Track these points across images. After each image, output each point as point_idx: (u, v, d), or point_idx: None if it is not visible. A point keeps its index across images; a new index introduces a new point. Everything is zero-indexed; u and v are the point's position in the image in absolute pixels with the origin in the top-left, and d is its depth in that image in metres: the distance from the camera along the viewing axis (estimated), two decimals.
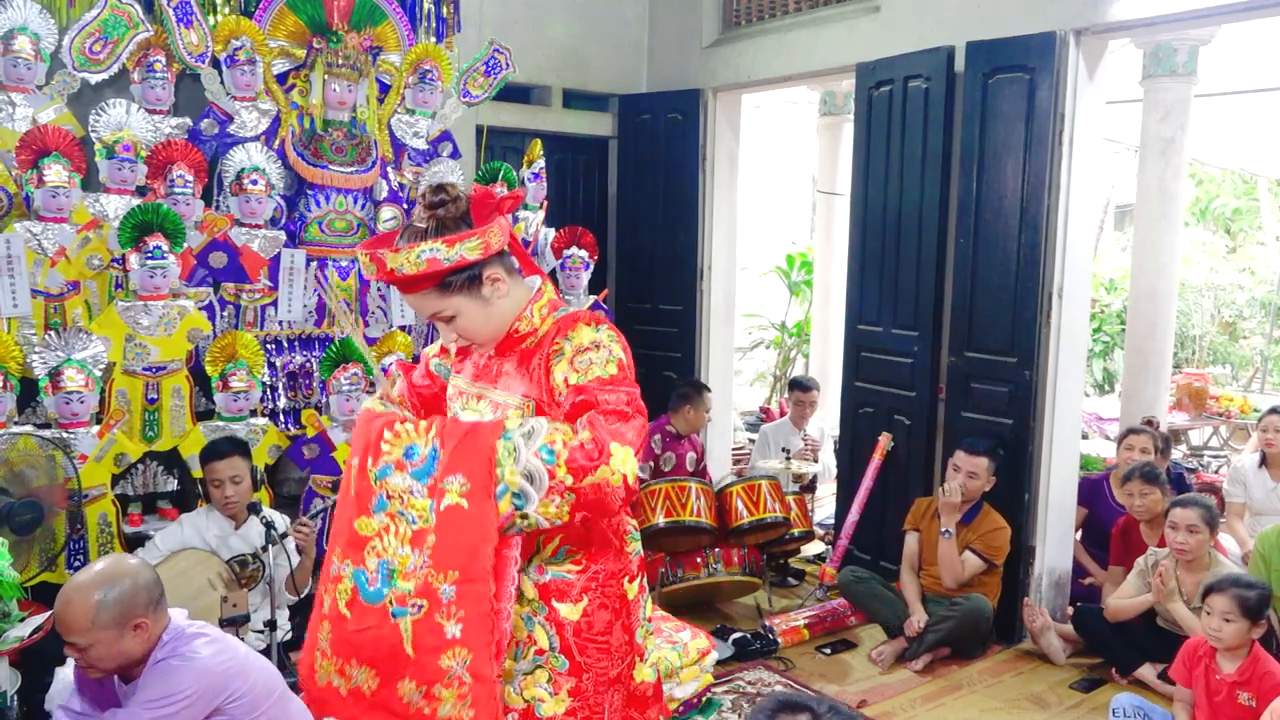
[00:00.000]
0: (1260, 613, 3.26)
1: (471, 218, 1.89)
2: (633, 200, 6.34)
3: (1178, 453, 7.03)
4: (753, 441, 6.80)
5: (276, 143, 4.45)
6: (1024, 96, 4.28)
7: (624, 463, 1.74)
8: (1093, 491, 4.91)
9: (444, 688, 1.74)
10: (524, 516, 1.74)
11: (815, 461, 5.87)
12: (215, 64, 4.31)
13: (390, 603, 1.79)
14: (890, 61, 4.83)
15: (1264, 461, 5.09)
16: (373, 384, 4.43)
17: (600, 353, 1.86)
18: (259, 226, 4.30)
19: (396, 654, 1.79)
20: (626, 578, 2.03)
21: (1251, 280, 11.57)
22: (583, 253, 5.24)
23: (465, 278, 1.91)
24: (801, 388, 6.13)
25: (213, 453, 3.64)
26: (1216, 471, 7.02)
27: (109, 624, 2.21)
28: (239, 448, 3.69)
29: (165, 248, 3.85)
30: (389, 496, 1.80)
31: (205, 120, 4.35)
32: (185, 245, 3.99)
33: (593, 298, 5.33)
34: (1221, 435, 8.19)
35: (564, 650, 1.94)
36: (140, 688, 2.28)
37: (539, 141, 5.28)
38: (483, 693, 1.73)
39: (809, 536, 5.13)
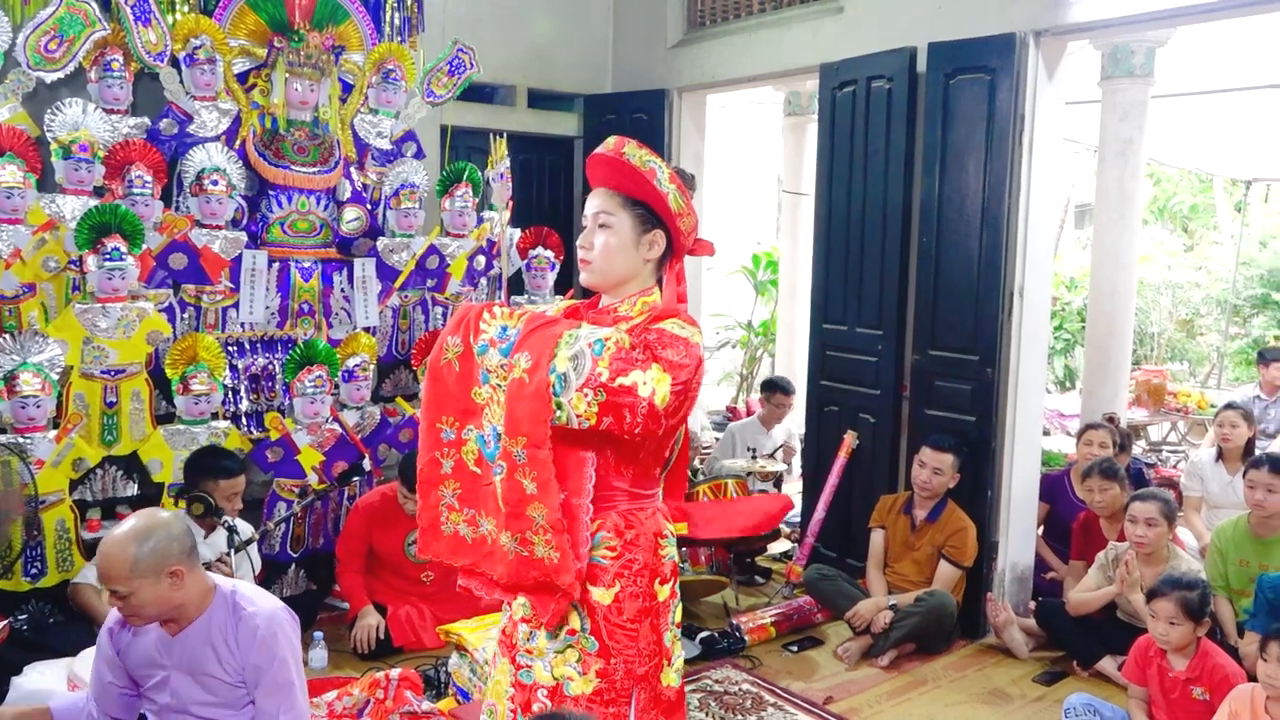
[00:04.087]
0: (1203, 612, 3.33)
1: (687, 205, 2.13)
2: None
3: (1137, 448, 7.13)
4: (719, 440, 6.82)
5: (238, 143, 4.40)
6: (985, 97, 4.33)
7: (659, 381, 1.86)
8: (1054, 487, 4.97)
9: (534, 534, 1.94)
10: (559, 406, 1.87)
11: (789, 465, 5.90)
12: (174, 63, 4.25)
13: (495, 461, 2.00)
14: (853, 62, 4.86)
15: (1220, 456, 5.18)
16: (337, 386, 4.40)
17: (679, 336, 1.96)
18: (220, 227, 4.25)
19: (499, 508, 1.99)
20: (658, 579, 2.10)
21: (1208, 278, 11.78)
22: (549, 253, 5.24)
23: (645, 212, 2.09)
24: (782, 391, 6.14)
25: (228, 470, 3.74)
26: (1175, 466, 7.13)
27: (147, 572, 2.39)
28: (241, 465, 3.87)
29: (124, 249, 3.80)
30: (489, 370, 1.98)
31: (164, 120, 4.30)
32: (144, 247, 3.94)
33: (559, 299, 5.32)
34: (1179, 430, 8.33)
35: (594, 632, 2.03)
36: (247, 650, 2.51)
37: (504, 141, 5.26)
38: (560, 540, 1.92)
39: (775, 535, 5.16)
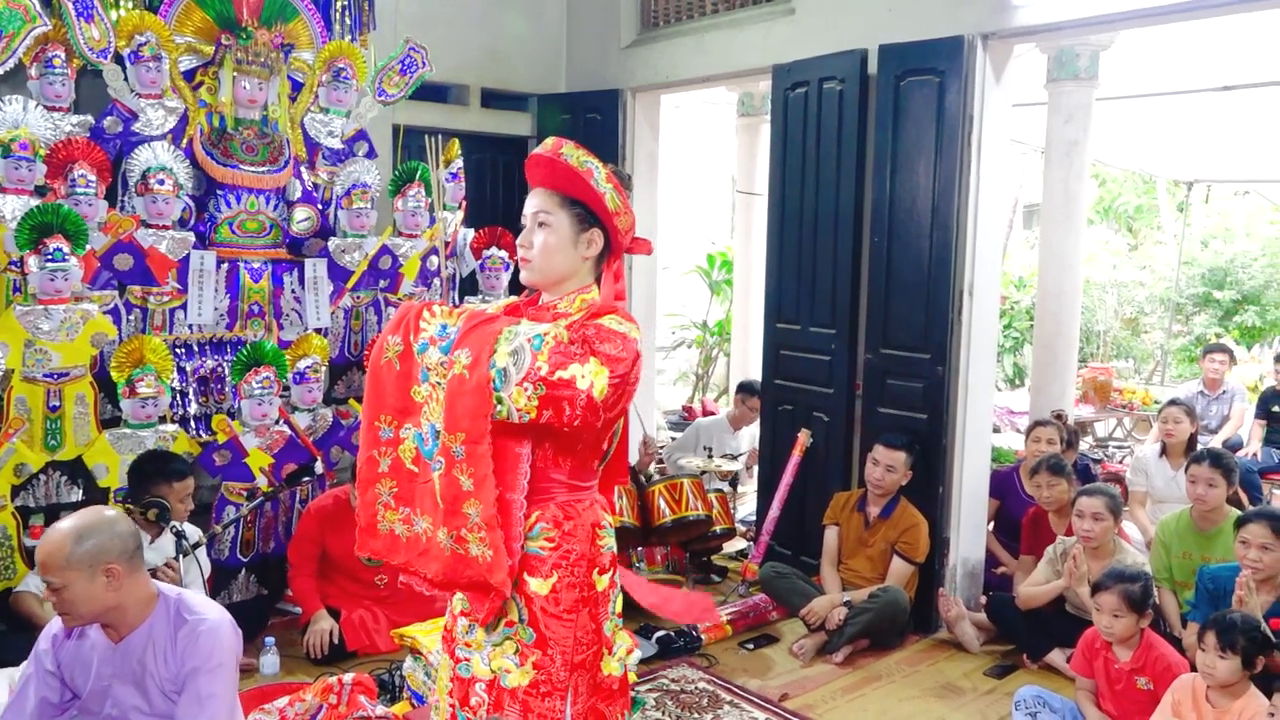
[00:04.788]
0: (1145, 604, 3.41)
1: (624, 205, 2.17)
2: None
3: (1084, 444, 7.26)
4: (674, 440, 6.84)
5: (184, 141, 4.33)
6: (934, 98, 4.39)
7: (596, 375, 1.91)
8: (1003, 483, 5.05)
9: (468, 531, 1.97)
10: (499, 400, 1.90)
11: (751, 469, 5.93)
12: (118, 60, 4.17)
13: (433, 459, 2.02)
14: (805, 63, 4.90)
15: (1164, 451, 5.29)
16: (286, 388, 4.34)
17: (616, 331, 2.02)
18: (167, 228, 4.18)
19: (437, 504, 2.01)
20: (597, 569, 2.13)
21: (1152, 278, 12.03)
22: (503, 253, 5.21)
23: (583, 212, 2.12)
24: (757, 395, 6.15)
25: (179, 472, 3.69)
26: (1121, 462, 7.28)
27: (81, 565, 2.33)
28: (190, 466, 3.82)
29: (66, 250, 3.71)
30: (428, 369, 2.01)
31: (108, 118, 4.21)
32: (88, 247, 3.85)
33: (513, 299, 5.28)
34: (1125, 426, 8.50)
35: (531, 623, 2.05)
36: (182, 655, 2.46)
37: (457, 141, 5.23)
38: (494, 537, 1.95)
39: (731, 534, 5.18)
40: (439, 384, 1.99)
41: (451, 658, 2.15)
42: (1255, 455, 6.21)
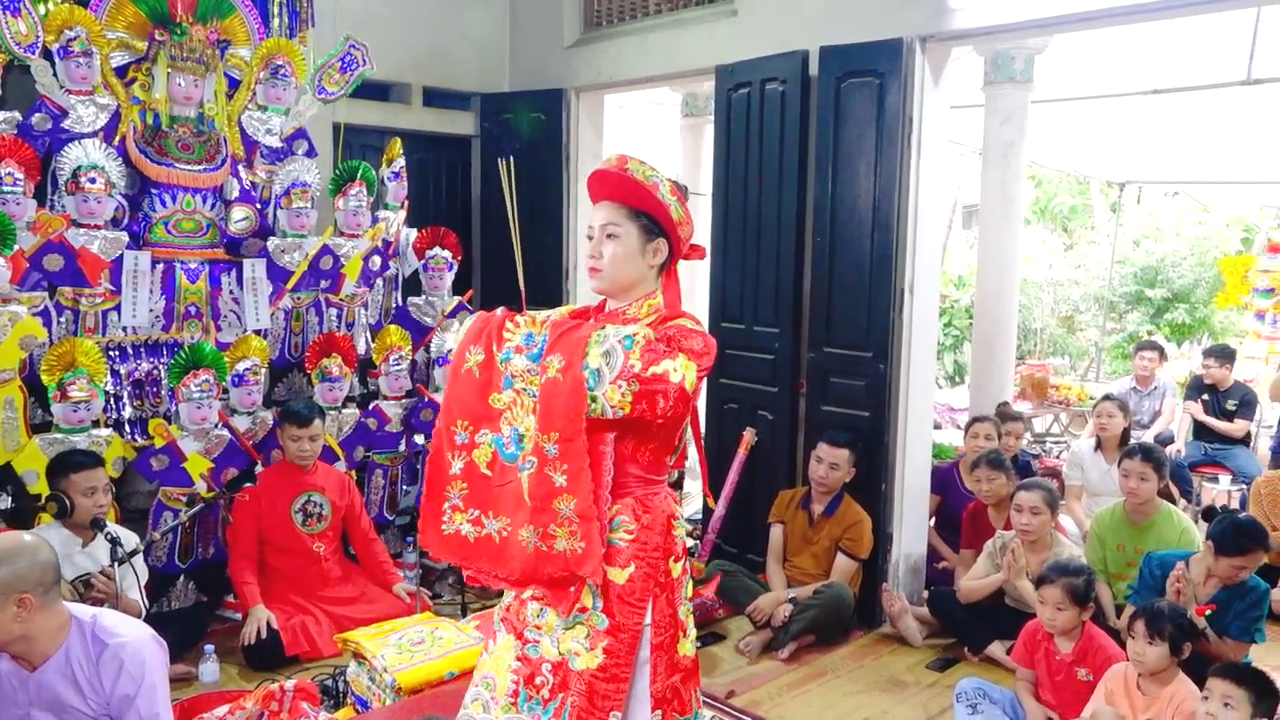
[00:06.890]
0: (1088, 597, 3.49)
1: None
2: (497, 200, 6.28)
3: (1022, 440, 7.39)
4: None
5: (117, 139, 4.23)
6: (874, 100, 4.44)
7: (686, 368, 2.04)
8: (944, 479, 5.13)
9: (557, 527, 2.08)
10: (593, 399, 2.02)
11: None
12: (47, 55, 4.06)
13: (519, 461, 2.12)
14: (747, 64, 4.93)
15: (1099, 446, 5.41)
16: (225, 391, 4.26)
17: (697, 330, 2.17)
18: (99, 227, 4.08)
19: (520, 503, 2.11)
20: (672, 558, 2.26)
21: (1086, 276, 12.30)
22: (446, 253, 5.17)
23: (650, 223, 2.26)
24: None
25: (80, 463, 3.56)
26: (1057, 456, 7.43)
27: None
28: (97, 459, 3.67)
29: None
30: (513, 375, 2.12)
31: (37, 114, 4.10)
32: (16, 247, 3.75)
33: (458, 299, 5.26)
34: (1061, 422, 8.68)
35: (606, 610, 2.16)
36: (110, 681, 2.40)
37: (399, 140, 5.18)
38: (589, 529, 2.07)
39: None
40: (524, 389, 2.11)
41: (519, 638, 2.24)
42: (1180, 451, 6.38)
